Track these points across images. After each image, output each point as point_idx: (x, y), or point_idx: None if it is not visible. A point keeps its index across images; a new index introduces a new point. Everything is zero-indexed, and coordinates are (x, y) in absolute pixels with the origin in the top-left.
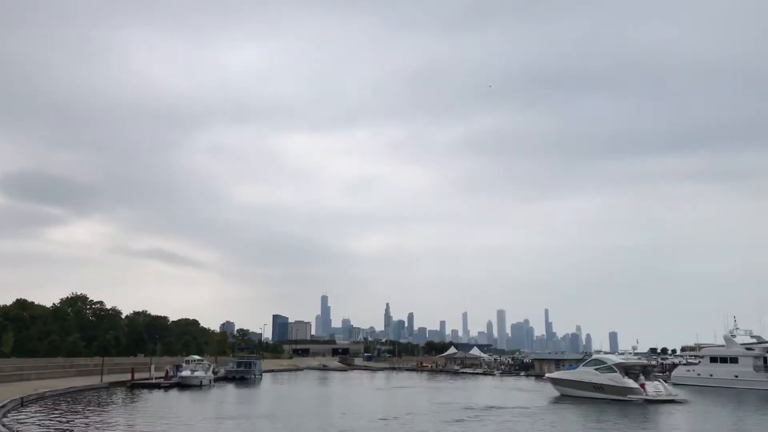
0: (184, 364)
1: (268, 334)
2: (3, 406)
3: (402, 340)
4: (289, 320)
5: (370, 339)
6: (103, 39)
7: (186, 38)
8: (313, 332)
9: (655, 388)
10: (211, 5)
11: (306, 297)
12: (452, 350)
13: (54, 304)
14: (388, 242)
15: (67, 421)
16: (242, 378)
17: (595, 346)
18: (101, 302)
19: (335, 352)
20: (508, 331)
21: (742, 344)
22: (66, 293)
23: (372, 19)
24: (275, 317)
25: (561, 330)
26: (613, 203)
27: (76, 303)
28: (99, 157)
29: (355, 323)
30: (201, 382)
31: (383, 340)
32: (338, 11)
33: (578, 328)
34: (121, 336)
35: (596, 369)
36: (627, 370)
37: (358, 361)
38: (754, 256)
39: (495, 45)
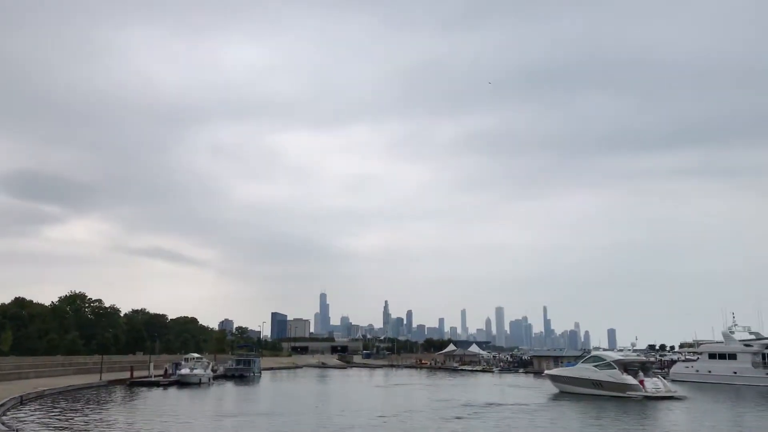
0: (183, 362)
1: (267, 332)
2: (2, 405)
3: (401, 338)
4: (288, 318)
5: (368, 336)
6: (103, 39)
7: (186, 38)
8: (311, 330)
9: (654, 384)
10: (210, 5)
11: (305, 295)
12: (451, 347)
13: (53, 302)
14: (386, 240)
15: (67, 420)
16: (241, 376)
17: (593, 343)
18: (100, 300)
19: (334, 350)
20: (507, 328)
21: (740, 341)
22: (64, 291)
23: (371, 17)
24: (274, 315)
25: (559, 327)
26: (612, 201)
27: (74, 301)
28: (98, 156)
29: (353, 321)
30: (200, 380)
31: (382, 338)
32: (338, 10)
33: (576, 325)
34: (120, 334)
35: (595, 366)
36: (626, 366)
37: (357, 358)
38: (754, 254)
39: (494, 43)
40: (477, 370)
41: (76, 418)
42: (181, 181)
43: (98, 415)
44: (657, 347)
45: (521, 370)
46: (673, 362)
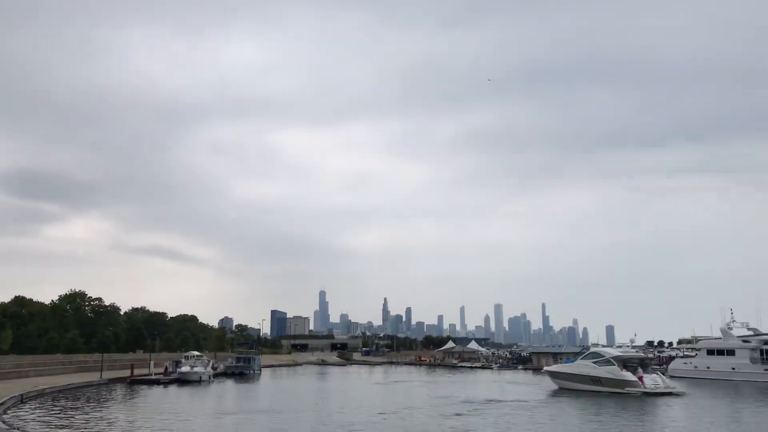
0: (183, 360)
1: (266, 330)
2: (2, 403)
3: (400, 335)
4: (288, 315)
5: (368, 334)
6: (103, 39)
7: (186, 38)
8: (311, 327)
9: (652, 380)
10: (210, 4)
11: (304, 292)
12: (450, 344)
13: (52, 300)
14: (386, 237)
15: (67, 418)
16: (241, 373)
17: (591, 340)
18: (100, 299)
19: (334, 347)
20: (506, 325)
21: (738, 337)
22: (64, 290)
23: (371, 15)
24: (274, 312)
25: (558, 324)
26: (612, 200)
27: (74, 299)
28: (98, 155)
29: (353, 318)
30: (200, 377)
31: (381, 335)
32: (337, 8)
33: (575, 321)
34: (120, 332)
35: (594, 362)
36: (625, 363)
37: (356, 355)
38: (754, 254)
39: (494, 41)
40: (476, 367)
41: (76, 417)
42: (180, 179)
43: (99, 413)
44: (655, 344)
45: (520, 367)
46: (671, 358)
